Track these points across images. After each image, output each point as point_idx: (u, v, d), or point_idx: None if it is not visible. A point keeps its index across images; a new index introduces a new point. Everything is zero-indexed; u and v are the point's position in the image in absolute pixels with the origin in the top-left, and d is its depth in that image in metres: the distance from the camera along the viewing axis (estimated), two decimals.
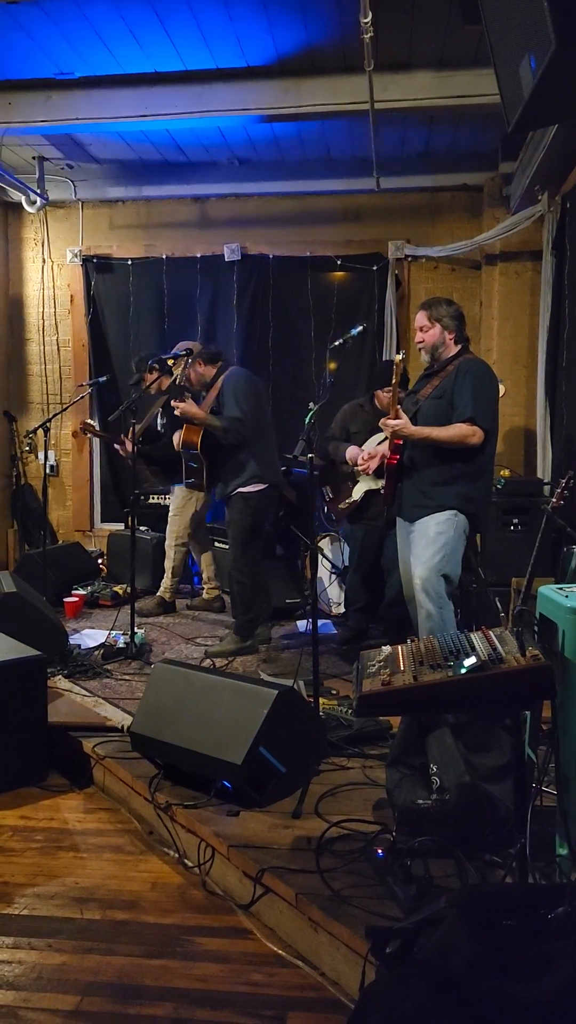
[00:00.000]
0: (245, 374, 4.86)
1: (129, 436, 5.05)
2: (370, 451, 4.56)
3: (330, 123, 5.52)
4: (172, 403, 4.64)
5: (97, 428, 5.60)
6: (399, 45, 4.49)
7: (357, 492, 4.85)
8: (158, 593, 5.79)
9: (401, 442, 3.76)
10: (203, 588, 5.92)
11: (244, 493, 4.63)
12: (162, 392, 5.53)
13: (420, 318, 3.84)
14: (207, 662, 4.44)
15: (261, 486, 4.65)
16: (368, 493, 4.79)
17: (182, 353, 4.84)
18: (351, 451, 4.82)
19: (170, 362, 4.86)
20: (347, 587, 5.12)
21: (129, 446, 5.45)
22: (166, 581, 5.76)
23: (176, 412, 4.62)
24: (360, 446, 4.82)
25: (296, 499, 5.43)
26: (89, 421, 5.58)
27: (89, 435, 5.59)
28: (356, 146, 5.94)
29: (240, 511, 4.65)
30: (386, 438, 4.74)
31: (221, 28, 4.39)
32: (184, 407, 4.56)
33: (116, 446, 5.74)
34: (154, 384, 5.36)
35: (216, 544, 6.12)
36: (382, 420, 3.82)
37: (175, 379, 4.82)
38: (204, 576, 5.91)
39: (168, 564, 5.74)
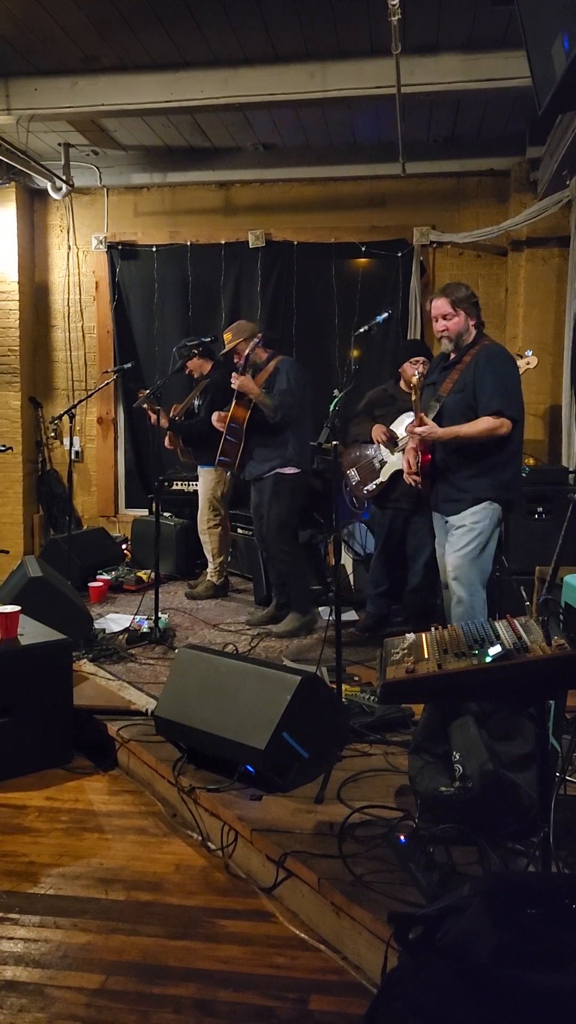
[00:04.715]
0: (297, 362, 5.03)
1: (171, 413, 5.49)
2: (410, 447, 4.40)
3: (356, 107, 5.48)
4: (232, 376, 4.79)
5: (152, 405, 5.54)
6: (426, 28, 4.44)
7: (385, 473, 4.82)
8: (207, 578, 5.83)
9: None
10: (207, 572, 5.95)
11: (283, 474, 4.77)
12: (203, 376, 5.66)
13: (442, 306, 3.70)
14: (230, 647, 4.45)
15: (296, 470, 4.80)
16: (395, 473, 4.76)
17: (207, 339, 5.10)
18: (376, 429, 4.79)
19: (226, 340, 4.96)
20: (371, 572, 5.11)
21: (163, 420, 5.55)
22: (211, 565, 5.81)
23: (234, 385, 4.76)
24: (388, 427, 4.81)
25: (320, 486, 5.43)
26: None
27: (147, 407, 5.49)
28: (382, 131, 5.88)
29: (278, 492, 4.78)
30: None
31: (248, 12, 4.35)
32: (243, 381, 4.74)
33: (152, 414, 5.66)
34: (197, 368, 5.58)
35: (239, 530, 6.14)
36: (408, 427, 3.79)
37: (243, 357, 4.89)
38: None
39: (206, 550, 5.80)
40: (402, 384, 4.91)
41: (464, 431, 3.58)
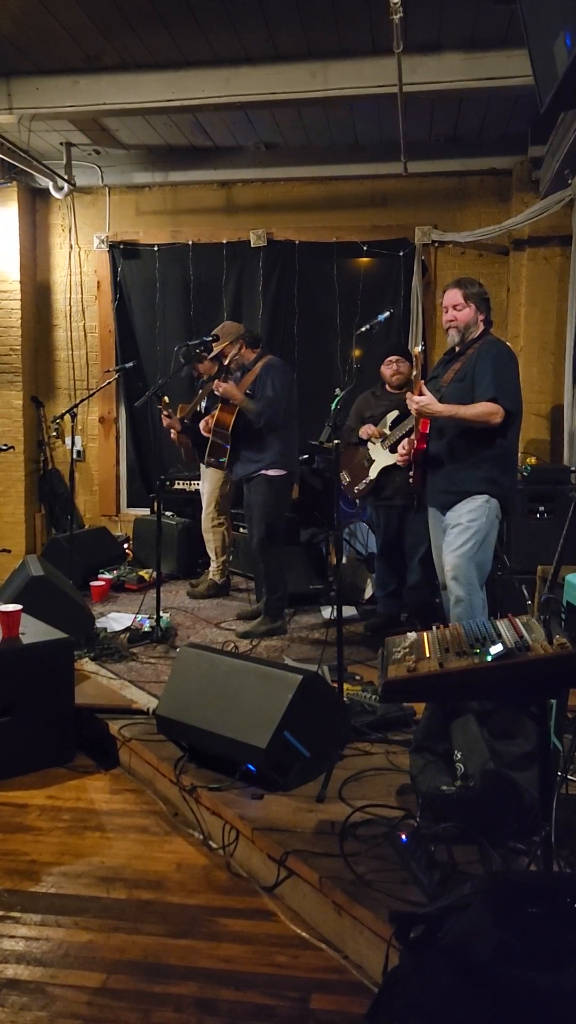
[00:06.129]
0: (283, 363, 4.99)
1: (179, 415, 5.48)
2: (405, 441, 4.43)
3: (358, 107, 5.47)
4: (215, 383, 4.78)
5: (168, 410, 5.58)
6: (428, 26, 4.43)
7: (373, 471, 4.85)
8: (209, 577, 5.83)
9: (427, 431, 3.72)
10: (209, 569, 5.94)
11: (267, 476, 4.75)
12: (211, 377, 5.62)
13: (454, 296, 3.71)
14: (231, 646, 4.46)
15: (282, 472, 4.77)
16: (383, 471, 4.79)
17: (208, 338, 4.96)
18: (366, 428, 4.86)
19: (215, 346, 4.93)
20: (376, 573, 5.13)
21: (176, 425, 5.61)
22: (214, 563, 5.81)
23: (217, 391, 4.76)
24: (375, 426, 4.87)
25: (321, 486, 5.42)
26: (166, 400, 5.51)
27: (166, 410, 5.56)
28: (384, 130, 5.88)
29: (264, 493, 4.76)
30: (399, 415, 4.75)
31: (250, 11, 4.35)
32: (226, 387, 4.74)
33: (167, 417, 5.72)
34: (207, 371, 5.55)
35: (241, 529, 6.14)
36: (407, 395, 3.77)
37: (228, 360, 4.87)
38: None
39: (209, 548, 5.80)
40: (387, 387, 4.97)
41: (461, 411, 3.56)
